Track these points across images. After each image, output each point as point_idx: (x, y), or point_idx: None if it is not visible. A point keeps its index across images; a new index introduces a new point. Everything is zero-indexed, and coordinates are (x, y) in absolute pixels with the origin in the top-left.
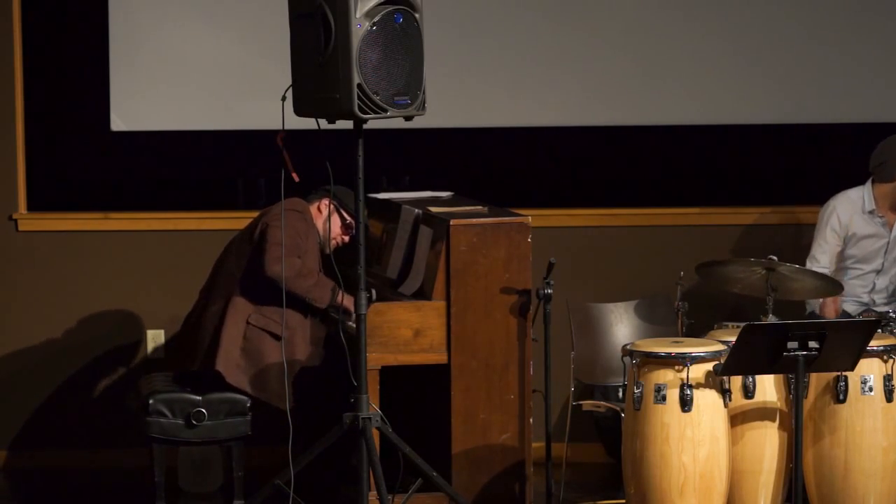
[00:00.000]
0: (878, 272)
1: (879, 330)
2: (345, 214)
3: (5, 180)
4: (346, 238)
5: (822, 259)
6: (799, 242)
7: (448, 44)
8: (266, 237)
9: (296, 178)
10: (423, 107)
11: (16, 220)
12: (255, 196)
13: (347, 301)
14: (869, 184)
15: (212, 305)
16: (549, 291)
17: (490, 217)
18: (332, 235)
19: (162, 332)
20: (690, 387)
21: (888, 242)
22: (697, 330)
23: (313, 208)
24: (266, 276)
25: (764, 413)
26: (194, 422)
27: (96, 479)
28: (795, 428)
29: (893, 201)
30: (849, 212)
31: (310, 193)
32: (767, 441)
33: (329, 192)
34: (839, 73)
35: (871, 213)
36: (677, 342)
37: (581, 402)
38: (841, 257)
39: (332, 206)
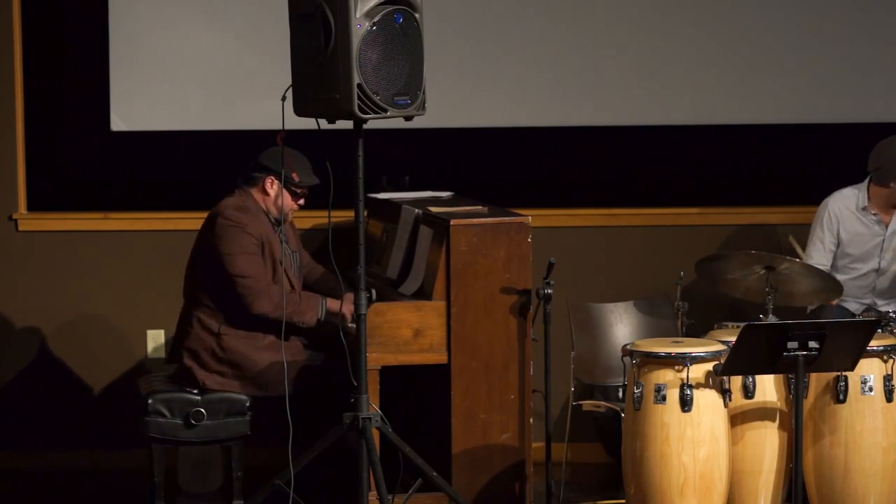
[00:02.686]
0: (876, 271)
1: (879, 330)
2: (293, 188)
3: (5, 180)
4: (302, 202)
5: (816, 257)
6: (799, 242)
7: (448, 44)
8: (230, 272)
9: (296, 177)
10: (423, 107)
11: (16, 220)
12: None
13: (332, 304)
14: (866, 182)
15: (187, 321)
16: (549, 291)
17: (490, 217)
18: (287, 210)
19: (162, 332)
20: (690, 387)
21: (883, 240)
22: (697, 330)
23: (257, 191)
24: (254, 315)
25: (764, 413)
26: (193, 421)
27: (96, 479)
28: (795, 428)
29: (887, 202)
30: (841, 210)
31: (246, 177)
32: (767, 441)
33: (264, 167)
34: (839, 73)
35: (864, 209)
36: (677, 342)
37: (581, 402)
38: (839, 256)
39: (278, 184)
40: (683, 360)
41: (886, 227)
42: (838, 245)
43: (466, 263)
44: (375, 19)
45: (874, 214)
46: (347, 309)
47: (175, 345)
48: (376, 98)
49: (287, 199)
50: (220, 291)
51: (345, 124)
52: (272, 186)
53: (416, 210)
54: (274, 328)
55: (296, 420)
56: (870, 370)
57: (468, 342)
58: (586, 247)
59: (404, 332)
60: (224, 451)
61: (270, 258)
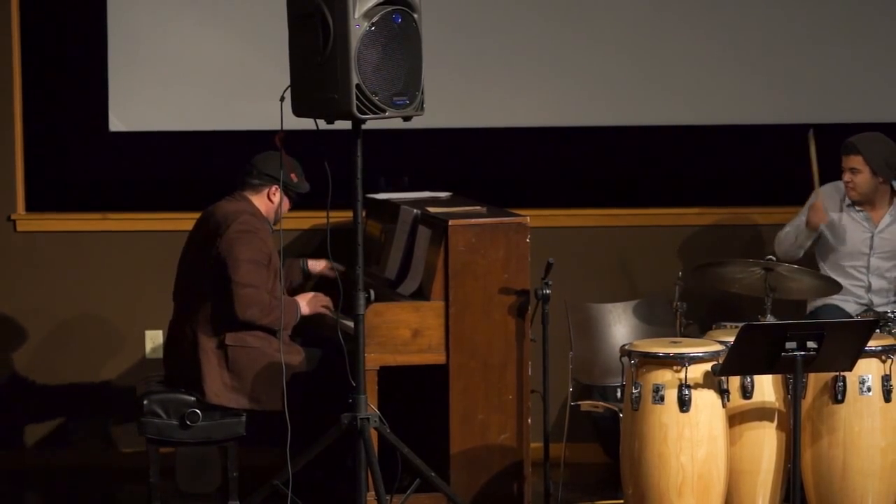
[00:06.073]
0: (867, 268)
1: (878, 330)
2: (292, 194)
3: (4, 180)
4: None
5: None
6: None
7: (448, 44)
8: (232, 277)
9: (294, 177)
10: (421, 107)
11: (14, 221)
12: None
13: (304, 308)
14: None
15: (184, 327)
16: (548, 292)
17: (488, 217)
18: (283, 215)
19: (161, 332)
20: (689, 387)
21: (872, 237)
22: (696, 330)
23: (261, 197)
24: (239, 320)
25: (762, 413)
26: (188, 422)
27: (94, 480)
28: (793, 428)
29: (870, 196)
30: (830, 200)
31: (245, 183)
32: (766, 441)
33: (271, 177)
34: (839, 73)
35: (850, 206)
36: (675, 342)
37: (579, 403)
38: (829, 253)
39: (281, 192)
40: (682, 361)
41: (876, 224)
42: (820, 237)
43: (465, 264)
44: (374, 19)
45: (860, 210)
46: (311, 307)
47: (172, 352)
48: (375, 98)
49: (285, 206)
50: (227, 296)
51: (344, 124)
52: (276, 194)
53: (415, 210)
54: (276, 335)
55: (294, 420)
56: (868, 370)
57: (466, 342)
58: (585, 247)
59: (403, 332)
60: (220, 451)
61: (274, 270)
